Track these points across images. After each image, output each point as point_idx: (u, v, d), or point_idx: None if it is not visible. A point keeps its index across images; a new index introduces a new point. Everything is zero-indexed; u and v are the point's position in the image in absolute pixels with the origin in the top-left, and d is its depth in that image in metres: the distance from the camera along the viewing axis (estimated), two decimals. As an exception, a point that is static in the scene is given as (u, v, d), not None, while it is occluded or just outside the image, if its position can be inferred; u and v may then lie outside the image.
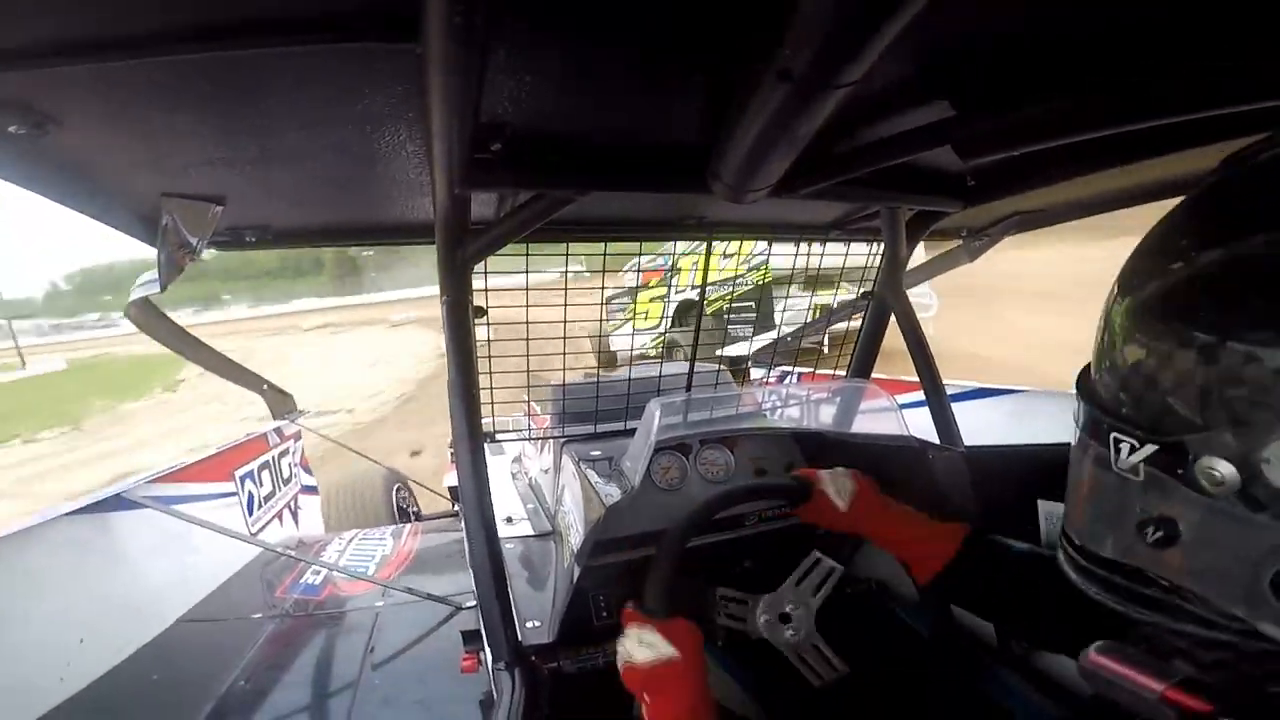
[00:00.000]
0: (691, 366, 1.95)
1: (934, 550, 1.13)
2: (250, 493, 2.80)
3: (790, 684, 1.24)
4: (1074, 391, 0.63)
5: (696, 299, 2.10)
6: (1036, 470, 1.08)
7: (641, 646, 0.99)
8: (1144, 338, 0.53)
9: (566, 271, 1.64)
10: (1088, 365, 0.63)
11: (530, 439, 2.14)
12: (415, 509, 4.06)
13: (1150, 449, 0.52)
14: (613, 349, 6.25)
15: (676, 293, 6.15)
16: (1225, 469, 0.47)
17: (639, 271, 5.41)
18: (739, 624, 1.28)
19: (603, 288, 1.72)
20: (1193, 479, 0.49)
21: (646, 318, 6.67)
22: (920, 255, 1.96)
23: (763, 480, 1.23)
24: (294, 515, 3.21)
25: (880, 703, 1.26)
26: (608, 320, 2.43)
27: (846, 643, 1.23)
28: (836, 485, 1.21)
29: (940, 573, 1.11)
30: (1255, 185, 0.52)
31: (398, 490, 3.91)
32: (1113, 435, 0.55)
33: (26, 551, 1.73)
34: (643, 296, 6.63)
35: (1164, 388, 0.51)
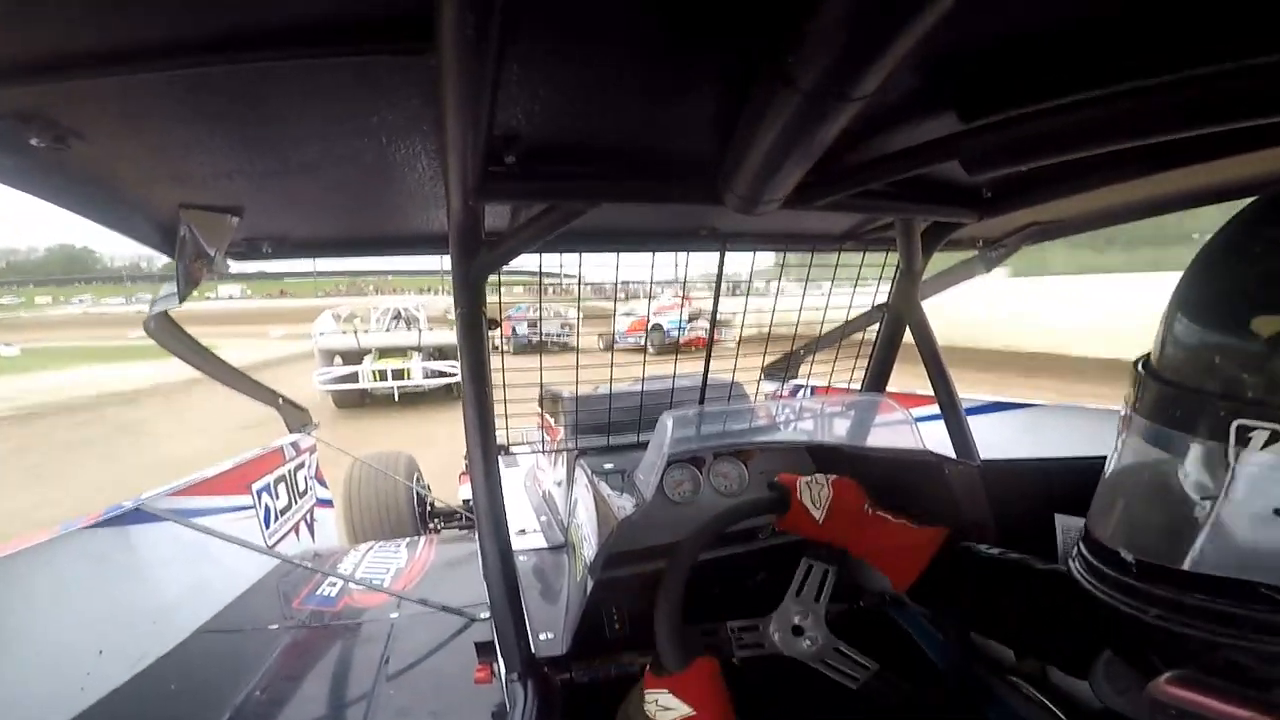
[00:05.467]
0: (705, 379, 1.94)
1: (910, 557, 1.12)
2: (267, 505, 2.83)
3: (810, 697, 1.22)
4: (1132, 387, 0.57)
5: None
6: (1053, 484, 1.07)
7: (660, 710, 1.00)
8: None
9: (580, 282, 1.65)
10: (1146, 354, 0.57)
11: (544, 451, 2.14)
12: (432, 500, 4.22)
13: None
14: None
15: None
16: None
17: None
18: (757, 649, 1.27)
19: (615, 298, 1.72)
20: None
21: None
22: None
23: (739, 501, 1.21)
24: (310, 528, 3.23)
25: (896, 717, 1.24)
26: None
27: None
28: (812, 493, 1.19)
29: (917, 579, 1.10)
30: None
31: (417, 479, 4.11)
32: (1237, 423, 0.47)
33: (48, 564, 1.76)
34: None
35: None
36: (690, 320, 7.95)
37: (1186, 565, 0.50)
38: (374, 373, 11.20)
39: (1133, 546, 0.55)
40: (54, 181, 0.99)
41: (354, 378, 11.23)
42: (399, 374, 11.22)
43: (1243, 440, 0.47)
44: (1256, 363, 0.47)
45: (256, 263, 1.55)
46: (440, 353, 11.79)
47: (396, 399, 11.58)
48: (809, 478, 1.23)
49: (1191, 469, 0.50)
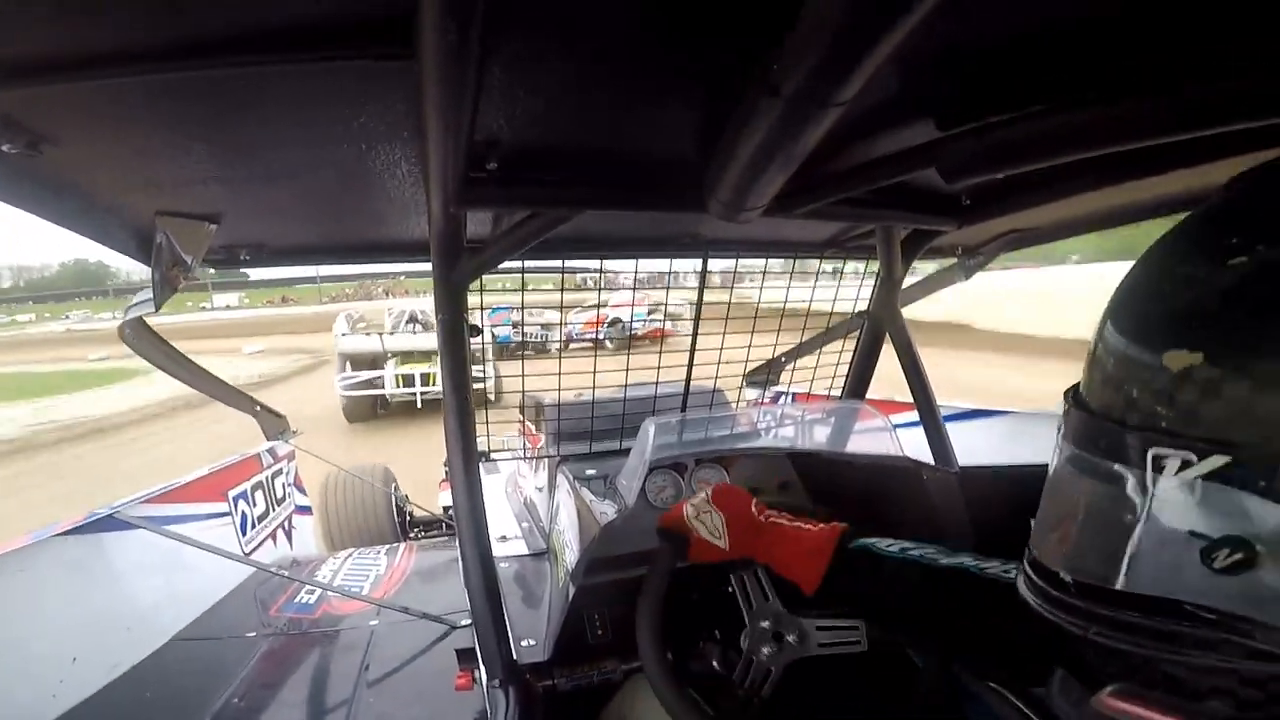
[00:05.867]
0: (687, 386, 1.95)
1: (812, 561, 1.10)
2: (244, 513, 2.78)
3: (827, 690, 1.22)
4: (1062, 416, 0.60)
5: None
6: (1031, 490, 1.07)
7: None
8: (1201, 342, 0.48)
9: (563, 290, 1.65)
10: (1076, 384, 0.60)
11: (525, 458, 2.13)
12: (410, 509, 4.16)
13: (1218, 461, 0.46)
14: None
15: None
16: None
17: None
18: (761, 673, 1.25)
19: (599, 305, 1.73)
20: (1277, 491, 0.44)
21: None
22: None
23: (650, 574, 1.18)
24: (288, 535, 3.19)
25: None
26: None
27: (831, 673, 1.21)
28: (707, 526, 1.17)
29: (820, 585, 1.09)
30: None
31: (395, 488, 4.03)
32: (1153, 452, 0.49)
33: (19, 571, 1.73)
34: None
35: (1232, 395, 0.47)
36: (649, 314, 7.99)
37: (1119, 585, 0.52)
38: (399, 378, 10.37)
39: (1069, 568, 0.57)
40: (28, 189, 0.97)
41: (377, 383, 10.50)
42: (426, 378, 10.22)
43: (1158, 468, 0.49)
44: (1168, 395, 0.50)
45: (262, 269, 1.54)
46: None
47: (419, 405, 10.40)
48: (692, 507, 1.20)
49: (1116, 495, 0.52)
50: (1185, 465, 0.47)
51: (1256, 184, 0.52)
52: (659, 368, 1.88)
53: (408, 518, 4.15)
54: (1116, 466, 0.52)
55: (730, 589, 1.39)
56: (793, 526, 1.15)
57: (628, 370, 1.88)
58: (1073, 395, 0.60)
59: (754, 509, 1.18)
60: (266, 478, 3.03)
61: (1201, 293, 0.50)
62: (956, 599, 0.97)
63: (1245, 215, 0.51)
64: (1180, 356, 0.49)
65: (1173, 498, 0.49)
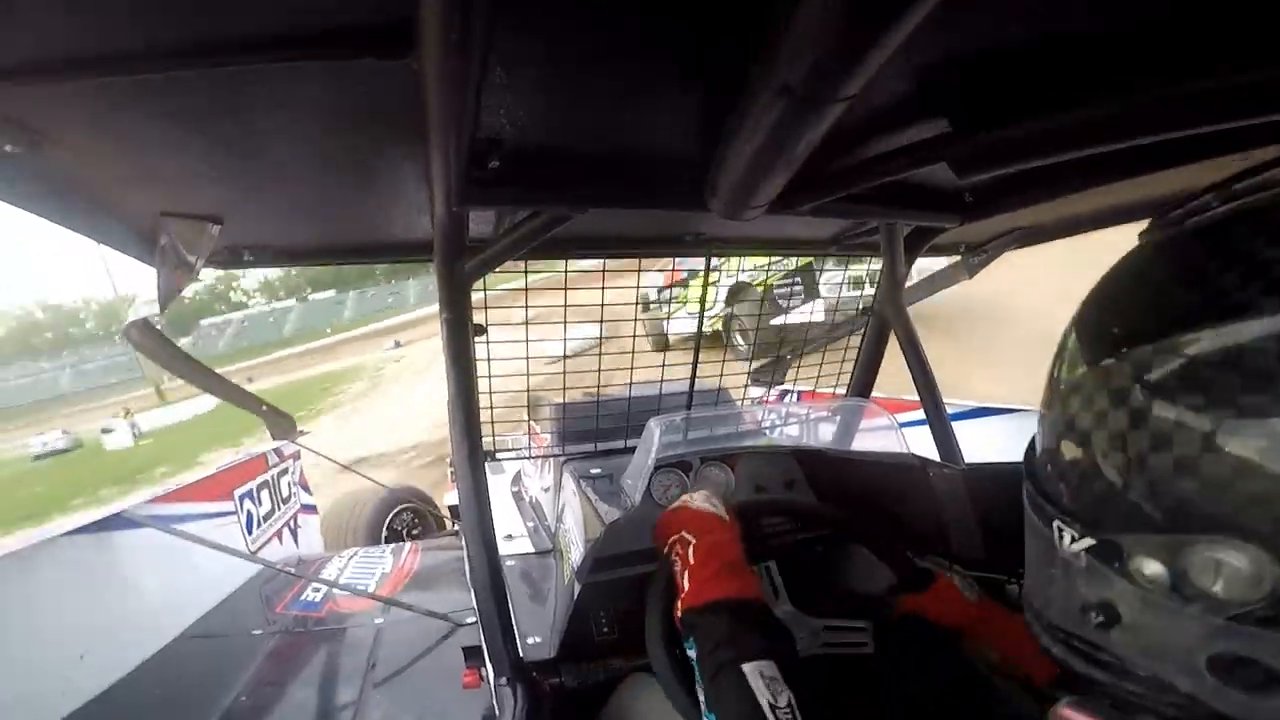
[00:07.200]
0: (692, 385, 1.95)
1: (725, 550, 1.05)
2: (250, 511, 2.80)
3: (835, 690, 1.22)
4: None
5: (746, 281, 2.12)
6: None
7: (700, 499, 1.12)
8: (1079, 437, 0.54)
9: (566, 288, 1.65)
10: (1032, 441, 0.65)
11: (530, 457, 2.14)
12: (418, 530, 4.02)
13: (1089, 541, 0.54)
14: (668, 333, 6.62)
15: (727, 277, 6.44)
16: (1156, 568, 0.49)
17: (672, 271, 5.61)
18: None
19: (602, 305, 1.72)
20: (1128, 573, 0.51)
21: (687, 304, 6.90)
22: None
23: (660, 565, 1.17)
24: (293, 533, 3.21)
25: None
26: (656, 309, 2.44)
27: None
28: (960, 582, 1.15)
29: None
30: (1185, 267, 0.51)
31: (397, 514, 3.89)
32: (1055, 523, 0.57)
33: (28, 570, 1.74)
34: (695, 283, 6.83)
35: (1098, 487, 0.53)
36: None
37: (1056, 623, 0.60)
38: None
39: (1034, 599, 0.64)
40: (29, 188, 0.98)
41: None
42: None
43: (1060, 537, 0.56)
44: (1065, 477, 0.57)
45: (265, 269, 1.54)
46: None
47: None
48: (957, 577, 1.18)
49: (1042, 547, 0.60)
50: (1073, 539, 0.55)
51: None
52: (664, 365, 1.88)
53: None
54: (1041, 526, 0.59)
55: None
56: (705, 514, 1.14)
57: (632, 369, 1.88)
58: (1028, 458, 0.66)
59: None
60: (272, 477, 3.04)
61: (1083, 390, 0.55)
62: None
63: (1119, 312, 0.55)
64: (1069, 447, 0.56)
65: (1070, 560, 0.56)
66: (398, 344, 29.57)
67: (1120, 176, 1.04)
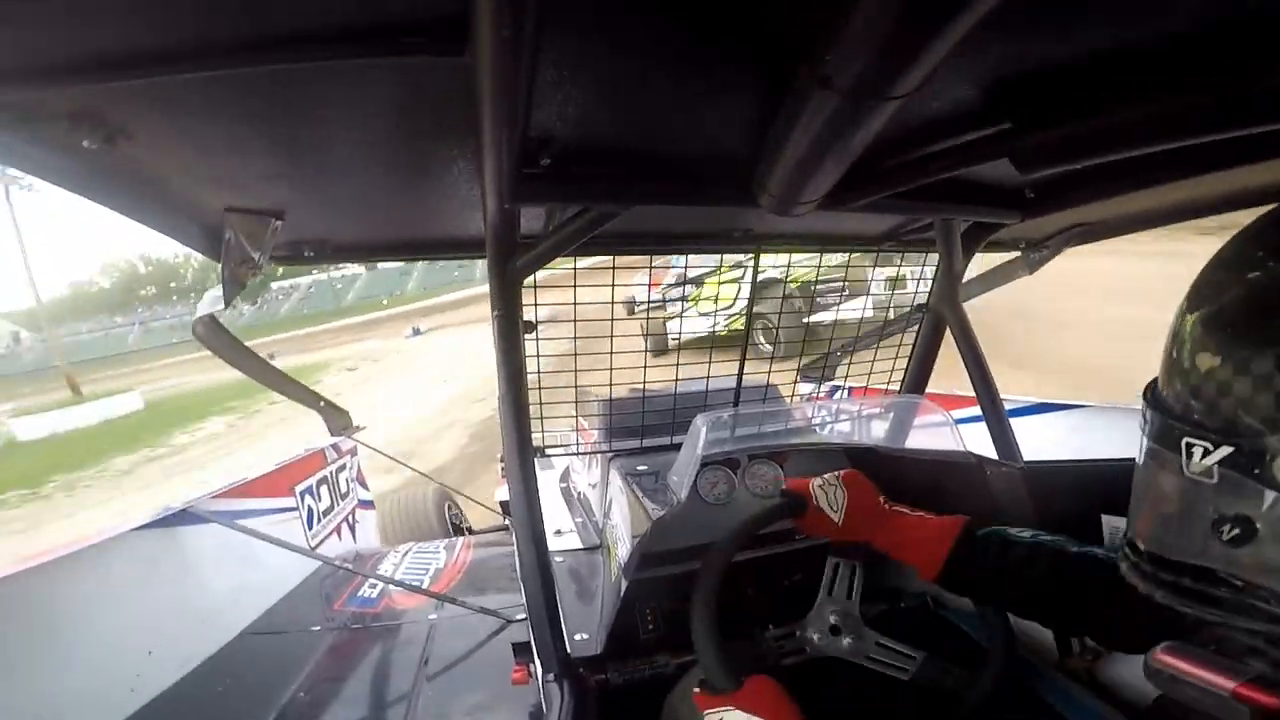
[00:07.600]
0: (739, 381, 1.93)
1: (933, 548, 1.15)
2: (310, 507, 2.88)
3: (862, 695, 1.22)
4: (1140, 404, 0.66)
5: (778, 277, 2.08)
6: (1100, 485, 1.04)
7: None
8: (1219, 346, 0.55)
9: (613, 285, 1.65)
10: (1154, 379, 0.66)
11: (579, 453, 2.15)
12: (467, 524, 4.11)
13: (1225, 451, 0.54)
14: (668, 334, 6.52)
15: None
16: None
17: (684, 268, 5.57)
18: (800, 655, 1.26)
19: (649, 302, 1.72)
20: (1270, 478, 0.51)
21: (716, 300, 6.82)
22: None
23: (753, 513, 1.20)
24: (351, 529, 3.28)
25: (941, 712, 1.22)
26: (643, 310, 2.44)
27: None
28: (828, 497, 1.21)
29: (943, 569, 1.13)
30: None
31: (449, 507, 3.97)
32: (1185, 441, 0.57)
33: (98, 565, 1.80)
34: (712, 280, 6.77)
35: (1239, 393, 0.53)
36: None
37: (1174, 556, 0.61)
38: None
39: (1143, 541, 0.65)
40: (105, 183, 1.01)
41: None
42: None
43: (1189, 455, 0.57)
44: (1198, 391, 0.58)
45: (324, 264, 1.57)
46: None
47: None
48: (820, 480, 1.24)
49: (1166, 477, 0.61)
50: (1205, 453, 0.56)
51: None
52: (710, 362, 1.86)
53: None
54: (1166, 452, 0.60)
55: (787, 583, 1.38)
56: (916, 516, 1.22)
57: (678, 365, 1.87)
58: (1152, 391, 0.66)
59: (880, 499, 1.24)
60: (331, 473, 3.11)
61: (1227, 301, 0.57)
62: (1084, 583, 1.02)
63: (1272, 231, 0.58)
64: (1206, 359, 0.57)
65: (1199, 480, 0.57)
66: (417, 331, 25.37)
67: (1183, 174, 1.01)
